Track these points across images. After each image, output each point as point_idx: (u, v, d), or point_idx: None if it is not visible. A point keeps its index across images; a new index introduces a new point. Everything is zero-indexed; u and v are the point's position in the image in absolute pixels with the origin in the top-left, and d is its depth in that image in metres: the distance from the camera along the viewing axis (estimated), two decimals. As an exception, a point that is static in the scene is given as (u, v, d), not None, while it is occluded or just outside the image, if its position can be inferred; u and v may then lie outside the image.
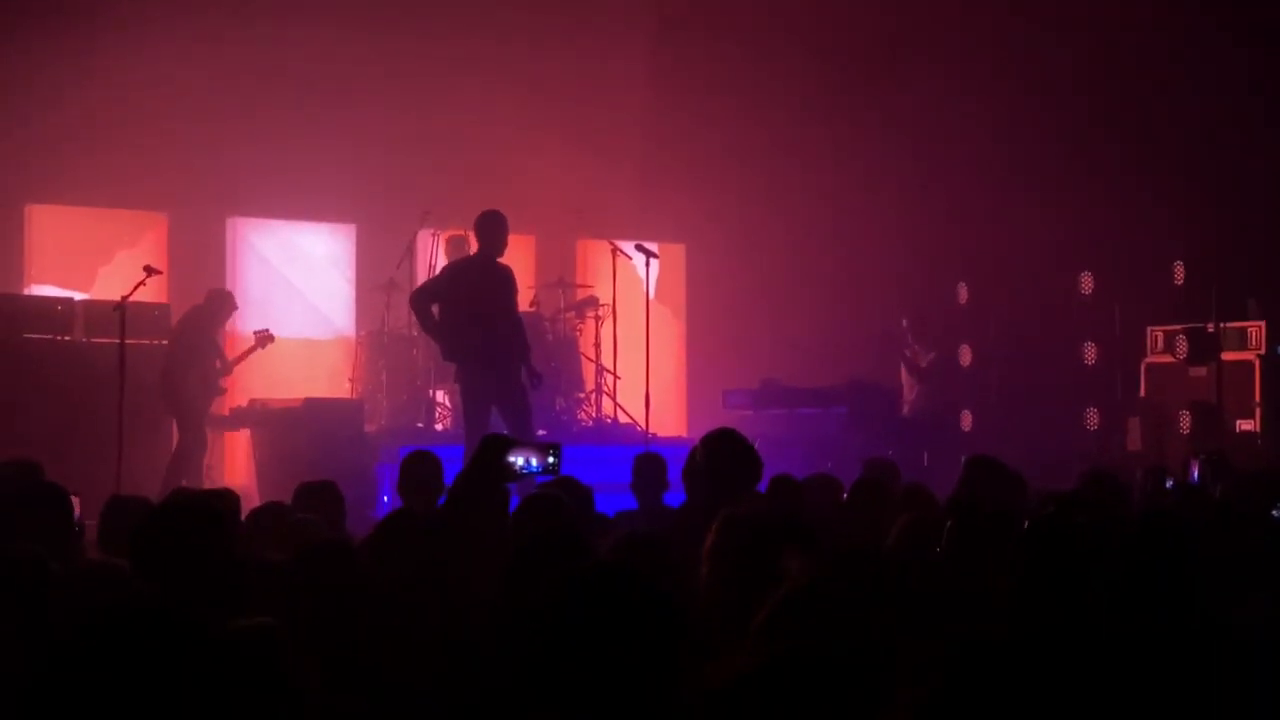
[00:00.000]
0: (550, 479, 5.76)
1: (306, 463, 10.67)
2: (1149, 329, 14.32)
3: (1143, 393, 14.32)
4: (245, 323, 14.07)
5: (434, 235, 14.08)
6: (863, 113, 16.12)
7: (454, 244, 13.41)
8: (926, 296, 15.71)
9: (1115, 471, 8.30)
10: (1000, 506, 6.10)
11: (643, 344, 12.48)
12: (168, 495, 7.02)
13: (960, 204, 15.62)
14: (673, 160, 16.39)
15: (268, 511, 6.16)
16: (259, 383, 14.59)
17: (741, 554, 4.49)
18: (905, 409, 15.05)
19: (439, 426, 13.49)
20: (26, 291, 13.99)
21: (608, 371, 14.03)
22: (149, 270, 11.59)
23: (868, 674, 2.60)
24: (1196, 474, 9.77)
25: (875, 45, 16.10)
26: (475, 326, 10.78)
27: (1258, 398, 13.38)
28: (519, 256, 14.26)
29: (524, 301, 12.26)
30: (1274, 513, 6.53)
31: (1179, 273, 13.95)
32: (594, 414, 14.09)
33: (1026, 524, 4.61)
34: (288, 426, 12.56)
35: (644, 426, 12.70)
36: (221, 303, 13.17)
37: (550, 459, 5.39)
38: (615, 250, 13.67)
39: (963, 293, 15.59)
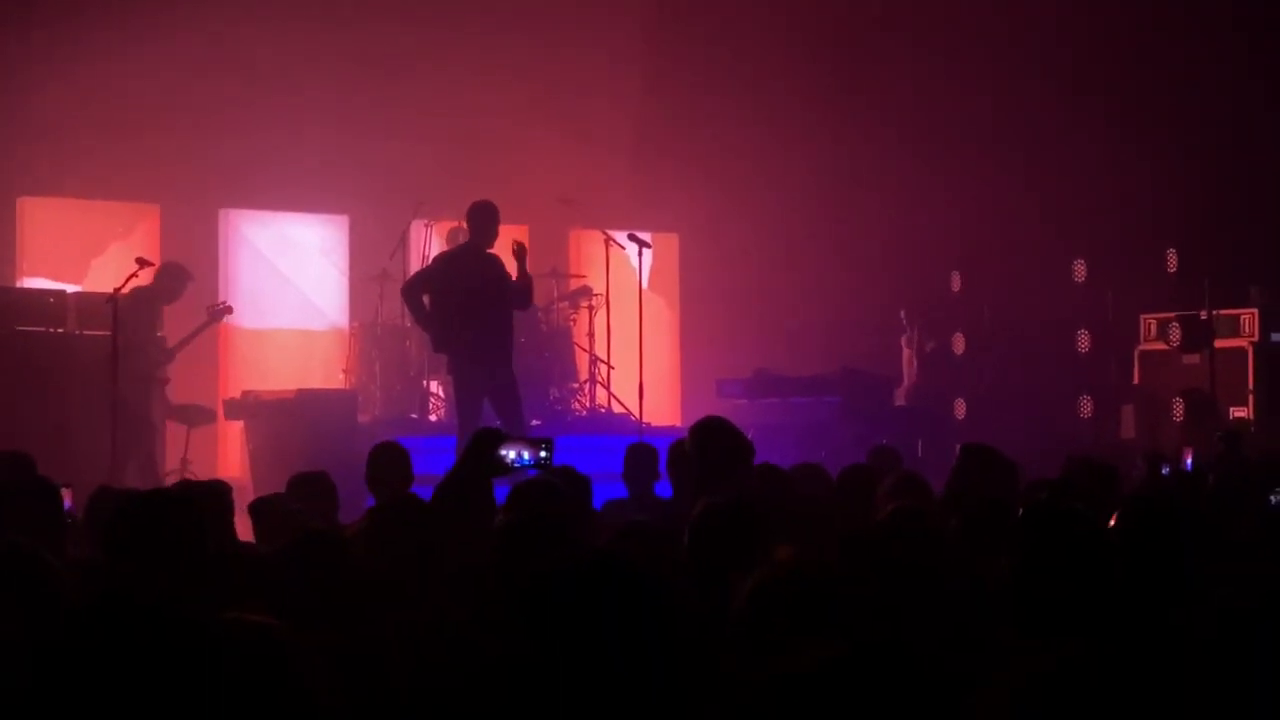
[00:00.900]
0: (535, 471, 5.76)
1: (299, 454, 10.63)
2: (1142, 316, 14.33)
3: (1136, 380, 14.33)
4: (242, 315, 14.05)
5: (427, 226, 14.05)
6: (856, 102, 16.12)
7: (453, 236, 13.39)
8: (920, 285, 15.72)
9: (1106, 458, 8.29)
10: (995, 494, 6.11)
11: (636, 334, 12.47)
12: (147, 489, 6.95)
13: (954, 192, 15.61)
14: (666, 150, 16.37)
15: (266, 504, 6.14)
16: (252, 374, 14.59)
17: (722, 541, 4.50)
18: (903, 396, 15.07)
19: (433, 417, 13.48)
20: (18, 284, 13.97)
21: (601, 361, 14.02)
22: (141, 262, 11.55)
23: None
24: (1190, 461, 9.78)
25: (868, 33, 16.08)
26: (466, 317, 10.76)
27: (1251, 385, 13.39)
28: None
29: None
30: (1271, 498, 6.53)
31: (1172, 260, 13.96)
32: (588, 404, 14.09)
33: (1020, 511, 4.60)
34: (281, 417, 12.54)
35: (638, 416, 12.70)
36: (170, 279, 12.30)
37: (542, 453, 5.39)
38: (609, 240, 13.65)
39: (956, 281, 15.60)
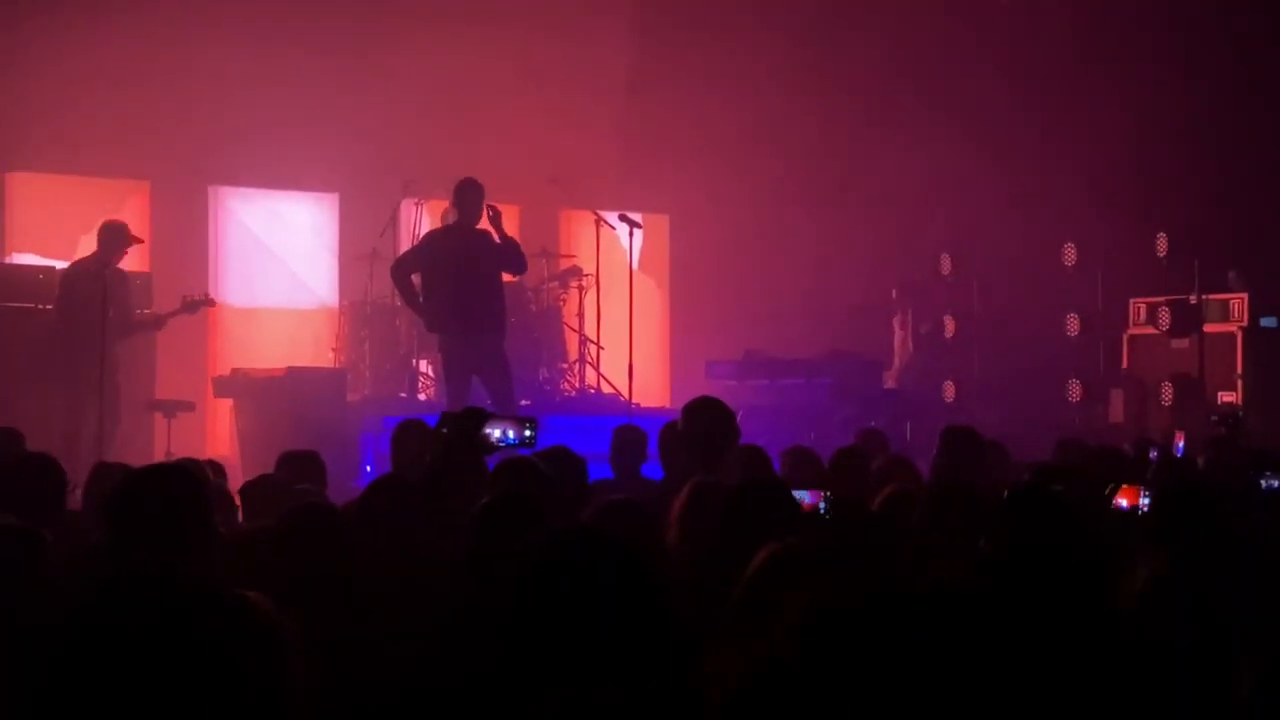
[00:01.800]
0: (527, 452, 5.76)
1: (289, 432, 10.63)
2: (1131, 301, 14.35)
3: (1125, 365, 14.35)
4: (231, 293, 14.02)
5: (417, 205, 14.04)
6: (845, 84, 16.10)
7: (445, 215, 13.36)
8: (910, 268, 15.73)
9: (1091, 442, 8.32)
10: (977, 475, 6.13)
11: (626, 314, 12.48)
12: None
13: (944, 175, 15.61)
14: (656, 131, 16.35)
15: (262, 483, 6.12)
16: (241, 352, 14.56)
17: (711, 521, 4.51)
18: (892, 378, 15.08)
19: (422, 396, 13.47)
20: (6, 260, 13.92)
21: (591, 342, 14.02)
22: (130, 239, 11.51)
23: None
24: (1182, 445, 9.82)
25: (856, 15, 16.04)
26: (455, 295, 10.75)
27: (1240, 370, 13.42)
28: (502, 226, 14.23)
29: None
30: (1261, 482, 6.55)
31: (1161, 244, 13.97)
32: (577, 384, 14.09)
33: (1006, 494, 4.62)
34: (270, 396, 12.53)
35: (627, 397, 12.70)
36: (109, 238, 11.56)
37: (527, 432, 5.40)
38: (599, 220, 13.64)
39: (946, 264, 15.61)
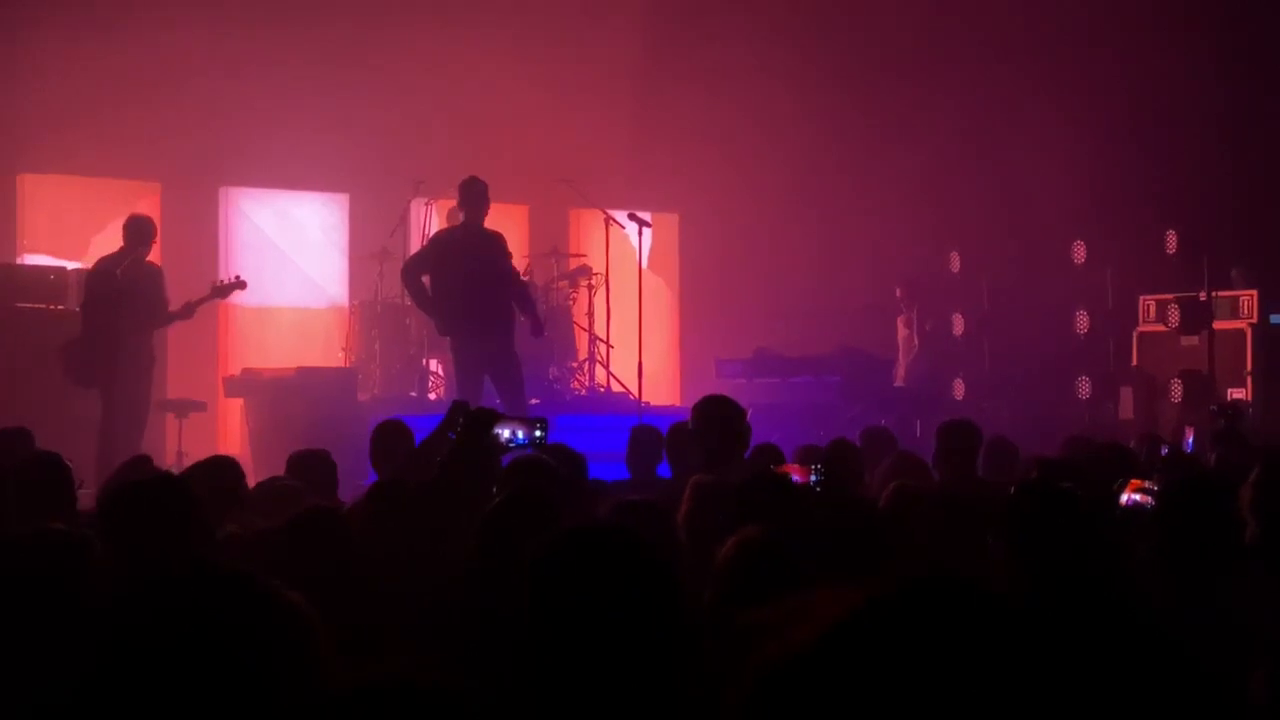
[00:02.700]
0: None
1: (299, 432, 10.65)
2: (1141, 298, 14.33)
3: (1134, 361, 14.33)
4: (242, 293, 14.01)
5: (427, 205, 14.06)
6: (855, 83, 16.10)
7: (453, 215, 13.37)
8: (919, 265, 15.72)
9: (1101, 439, 8.32)
10: (974, 469, 6.14)
11: (636, 313, 12.49)
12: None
13: (953, 173, 15.61)
14: (666, 129, 16.36)
15: (272, 485, 6.12)
16: (252, 351, 14.59)
17: (715, 519, 4.52)
18: (900, 377, 15.08)
19: (432, 395, 13.49)
20: (19, 261, 13.96)
21: (601, 340, 14.03)
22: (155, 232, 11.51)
23: None
24: (1192, 441, 9.81)
25: (868, 17, 16.05)
26: (464, 295, 10.76)
27: (1249, 366, 13.39)
28: (512, 226, 14.27)
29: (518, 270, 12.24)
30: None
31: (1171, 241, 13.95)
32: (587, 383, 14.10)
33: (1013, 490, 4.64)
34: (281, 395, 12.55)
35: (637, 395, 12.72)
36: (134, 233, 11.23)
37: (537, 432, 5.42)
38: (608, 219, 13.66)
39: (955, 261, 15.61)
